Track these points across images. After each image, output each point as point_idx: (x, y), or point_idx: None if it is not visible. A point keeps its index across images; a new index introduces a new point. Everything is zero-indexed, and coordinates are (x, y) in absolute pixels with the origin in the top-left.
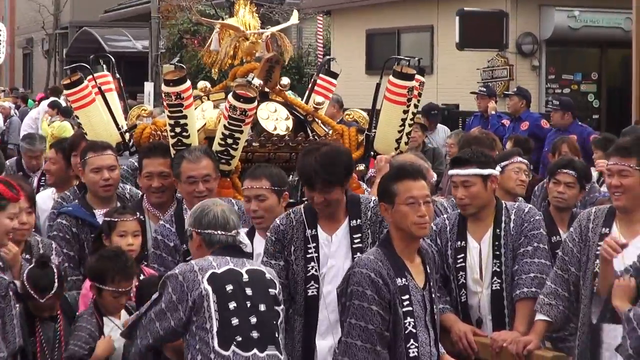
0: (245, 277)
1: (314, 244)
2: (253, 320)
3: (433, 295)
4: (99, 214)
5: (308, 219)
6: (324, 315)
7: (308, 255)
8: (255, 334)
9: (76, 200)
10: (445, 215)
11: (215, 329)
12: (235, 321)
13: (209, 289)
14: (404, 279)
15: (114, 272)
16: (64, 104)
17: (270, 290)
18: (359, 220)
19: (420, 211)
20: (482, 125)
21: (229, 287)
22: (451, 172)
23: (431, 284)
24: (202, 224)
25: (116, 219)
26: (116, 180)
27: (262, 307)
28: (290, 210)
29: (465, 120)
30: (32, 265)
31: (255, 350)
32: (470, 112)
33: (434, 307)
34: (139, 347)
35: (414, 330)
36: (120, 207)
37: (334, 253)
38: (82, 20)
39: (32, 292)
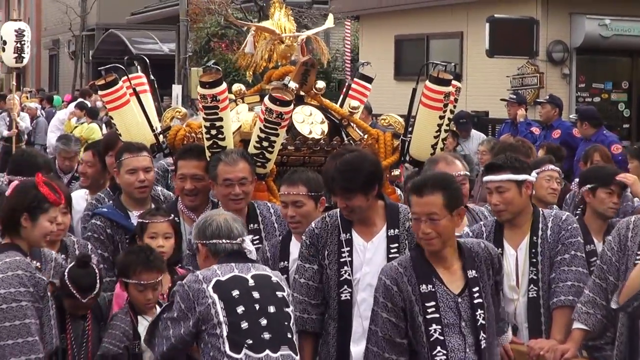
0: (251, 282)
1: (348, 249)
2: (263, 322)
3: (477, 301)
4: (134, 216)
5: (343, 223)
6: (358, 322)
7: (341, 260)
8: (266, 336)
9: (110, 202)
10: (482, 222)
11: (225, 334)
12: (244, 324)
13: (215, 296)
14: (429, 286)
15: (136, 265)
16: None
17: (278, 292)
18: (396, 230)
19: (421, 229)
20: (512, 132)
21: (235, 292)
22: (486, 178)
23: (474, 289)
24: (207, 234)
25: (147, 221)
26: (151, 182)
27: (272, 309)
28: (327, 213)
29: (495, 127)
30: (72, 265)
31: (267, 352)
32: (500, 120)
33: (477, 312)
34: (157, 354)
35: (442, 338)
36: (153, 208)
37: (369, 260)
38: (108, 23)
39: (74, 291)
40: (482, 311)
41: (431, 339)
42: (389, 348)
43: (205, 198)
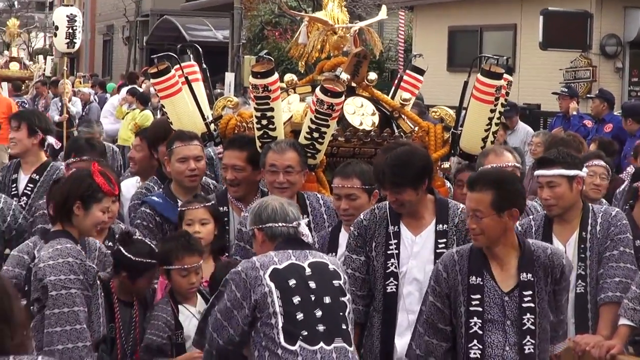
0: (308, 270)
1: (395, 241)
2: (318, 313)
3: (526, 305)
4: None
5: (392, 216)
6: (403, 315)
7: (389, 252)
8: (321, 327)
9: (160, 190)
10: (531, 216)
11: (280, 325)
12: (300, 316)
13: (272, 285)
14: (479, 278)
15: (177, 250)
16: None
17: (334, 281)
18: (445, 226)
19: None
20: (564, 125)
21: (292, 282)
22: (537, 172)
23: (525, 292)
24: (262, 218)
25: (184, 208)
26: (202, 171)
27: (327, 300)
28: (376, 205)
29: (546, 120)
30: (120, 240)
31: (321, 344)
32: (552, 113)
33: (525, 315)
34: (213, 349)
35: (480, 332)
36: (192, 196)
37: (417, 254)
38: (163, 9)
39: (135, 258)
40: (531, 315)
41: (470, 331)
42: (431, 332)
43: (251, 188)
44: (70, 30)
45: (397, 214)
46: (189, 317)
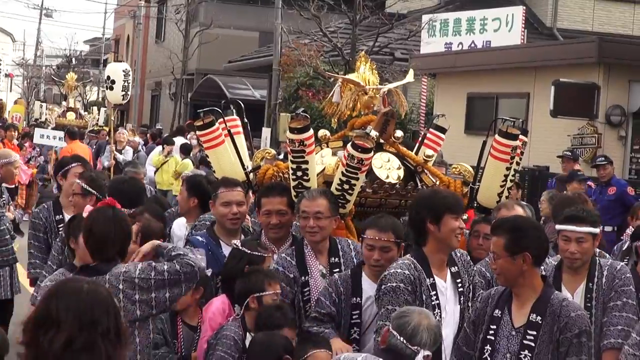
0: None
1: (434, 292)
2: None
3: (526, 342)
4: (225, 246)
5: (425, 267)
6: (444, 357)
7: (433, 302)
8: None
9: (205, 230)
10: (542, 267)
11: None
12: None
13: None
14: (500, 312)
15: (267, 278)
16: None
17: None
18: (456, 267)
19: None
20: (559, 188)
21: None
22: (566, 227)
23: (530, 331)
24: (401, 330)
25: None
26: (243, 215)
27: None
28: (404, 259)
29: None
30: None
31: None
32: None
33: (523, 352)
34: None
35: (489, 358)
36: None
37: (449, 299)
38: (207, 68)
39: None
40: (529, 353)
41: (482, 356)
42: (458, 354)
43: (288, 231)
44: (125, 84)
45: (427, 264)
46: None
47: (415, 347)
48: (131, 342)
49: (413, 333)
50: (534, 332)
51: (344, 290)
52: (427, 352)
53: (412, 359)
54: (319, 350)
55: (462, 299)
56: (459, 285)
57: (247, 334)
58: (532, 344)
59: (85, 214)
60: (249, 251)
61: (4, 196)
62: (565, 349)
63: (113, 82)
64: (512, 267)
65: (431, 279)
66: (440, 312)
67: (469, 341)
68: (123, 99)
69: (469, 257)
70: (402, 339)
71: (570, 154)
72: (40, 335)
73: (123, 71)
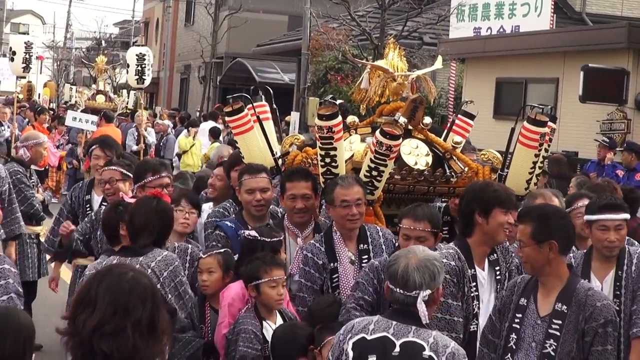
0: (397, 350)
1: (474, 283)
2: None
3: (551, 332)
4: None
5: (468, 258)
6: (479, 348)
7: (472, 294)
8: None
9: (233, 215)
10: (572, 254)
11: None
12: None
13: (351, 354)
14: (525, 300)
15: (265, 265)
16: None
17: None
18: (495, 255)
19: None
20: (598, 172)
21: (372, 358)
22: (606, 216)
23: (555, 321)
24: (389, 275)
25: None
26: (268, 201)
27: None
28: (448, 248)
29: (582, 166)
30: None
31: None
32: (587, 160)
33: (548, 341)
34: None
35: (514, 347)
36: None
37: (486, 288)
38: (236, 52)
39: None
40: (554, 342)
41: (507, 345)
42: (483, 341)
43: (311, 215)
44: (139, 68)
45: (470, 255)
46: (271, 333)
47: (414, 292)
48: None
49: (405, 278)
50: (559, 322)
51: (384, 278)
52: (427, 291)
53: (414, 304)
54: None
55: (498, 287)
56: (497, 273)
57: (264, 322)
58: (558, 333)
59: (127, 200)
60: (260, 237)
61: (32, 178)
62: (590, 338)
63: (128, 65)
64: (538, 256)
65: (472, 269)
66: (478, 304)
67: (494, 329)
68: (138, 83)
69: (507, 244)
70: (398, 289)
71: (608, 141)
72: (78, 313)
73: (136, 55)
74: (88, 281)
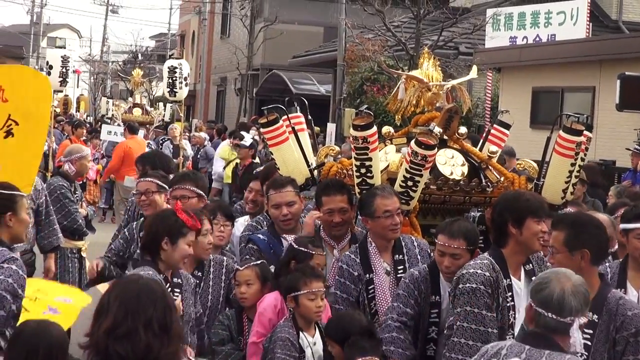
0: None
1: (510, 293)
2: None
3: (583, 341)
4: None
5: (503, 268)
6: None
7: (508, 304)
8: None
9: (266, 228)
10: (607, 263)
11: None
12: None
13: None
14: None
15: (305, 277)
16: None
17: None
18: (531, 265)
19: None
20: (633, 180)
21: None
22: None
23: (587, 330)
24: (537, 298)
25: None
26: (295, 214)
27: None
28: (482, 258)
29: (620, 175)
30: None
31: None
32: (626, 169)
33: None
34: None
35: None
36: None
37: (523, 298)
38: (272, 64)
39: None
40: (585, 352)
41: None
42: None
43: (348, 228)
44: (171, 80)
45: (505, 265)
46: (307, 346)
47: (568, 318)
48: None
49: (560, 303)
50: (591, 331)
51: (424, 288)
52: (583, 319)
53: (567, 332)
54: (365, 359)
55: None
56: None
57: (300, 333)
58: (589, 343)
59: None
60: (297, 246)
61: (77, 192)
62: (621, 347)
63: (162, 78)
64: (569, 263)
65: (508, 279)
66: (514, 314)
67: None
68: (170, 95)
69: (542, 253)
70: (550, 314)
71: (639, 148)
72: (95, 322)
73: (168, 68)
74: (105, 293)
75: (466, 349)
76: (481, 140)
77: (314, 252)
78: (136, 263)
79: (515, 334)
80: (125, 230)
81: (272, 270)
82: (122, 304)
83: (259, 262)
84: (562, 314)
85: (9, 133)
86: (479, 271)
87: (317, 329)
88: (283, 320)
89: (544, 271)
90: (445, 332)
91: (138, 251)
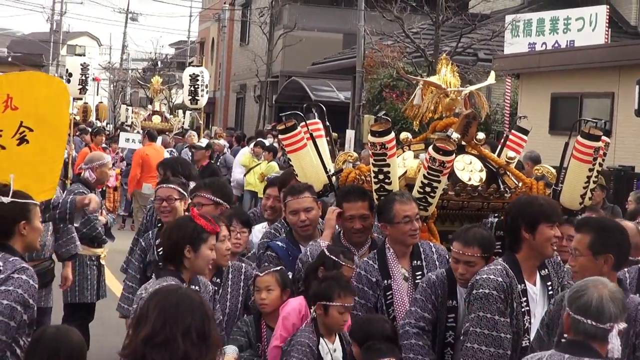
0: None
1: (525, 298)
2: None
3: None
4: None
5: (517, 273)
6: None
7: (523, 309)
8: None
9: (284, 235)
10: (626, 269)
11: None
12: None
13: None
14: None
15: (339, 289)
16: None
17: None
18: (546, 270)
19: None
20: None
21: None
22: None
23: None
24: (573, 305)
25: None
26: (313, 220)
27: None
28: (496, 264)
29: (638, 180)
30: None
31: None
32: None
33: None
34: None
35: None
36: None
37: (538, 303)
38: (291, 71)
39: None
40: None
41: None
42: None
43: (368, 234)
44: (192, 88)
45: (519, 270)
46: (327, 352)
47: (608, 324)
48: None
49: (599, 309)
50: None
51: (441, 293)
52: (622, 324)
53: (606, 338)
54: None
55: (551, 302)
56: (549, 288)
57: (321, 339)
58: None
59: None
60: (328, 254)
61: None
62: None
63: (183, 86)
64: (592, 267)
65: (522, 285)
66: (529, 319)
67: (542, 343)
68: (191, 103)
69: (559, 258)
70: (589, 321)
71: None
72: (134, 330)
73: (190, 75)
74: (144, 302)
75: (479, 354)
76: (499, 146)
77: (344, 264)
78: (159, 272)
79: (531, 338)
80: (142, 240)
81: (290, 276)
82: (161, 313)
83: (278, 268)
84: (601, 320)
85: (22, 140)
86: (491, 277)
87: (337, 335)
88: (305, 324)
89: (579, 281)
90: (461, 337)
91: (156, 257)
